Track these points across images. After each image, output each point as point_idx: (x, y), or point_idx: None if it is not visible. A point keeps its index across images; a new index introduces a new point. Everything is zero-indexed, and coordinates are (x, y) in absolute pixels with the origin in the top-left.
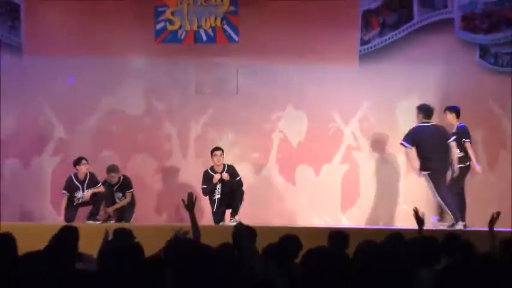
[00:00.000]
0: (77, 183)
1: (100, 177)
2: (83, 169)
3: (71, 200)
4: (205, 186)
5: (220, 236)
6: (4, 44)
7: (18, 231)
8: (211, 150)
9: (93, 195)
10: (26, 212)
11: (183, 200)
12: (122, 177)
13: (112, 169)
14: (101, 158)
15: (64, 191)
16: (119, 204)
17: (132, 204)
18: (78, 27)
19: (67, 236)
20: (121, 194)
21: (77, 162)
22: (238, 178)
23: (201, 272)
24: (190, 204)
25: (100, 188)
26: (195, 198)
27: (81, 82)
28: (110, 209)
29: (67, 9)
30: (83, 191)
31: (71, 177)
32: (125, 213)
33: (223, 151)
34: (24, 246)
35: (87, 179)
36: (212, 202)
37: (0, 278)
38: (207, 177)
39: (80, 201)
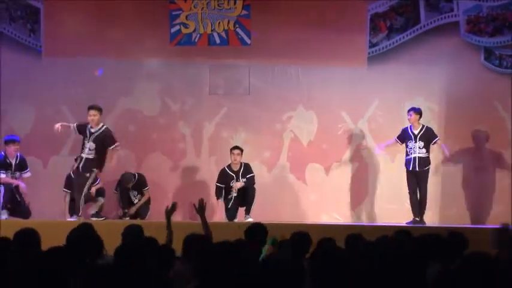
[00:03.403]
0: None
1: (116, 175)
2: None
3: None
4: (219, 185)
5: (234, 232)
6: (24, 46)
7: (38, 229)
8: (231, 148)
9: (96, 192)
10: (45, 209)
11: (194, 205)
12: (136, 176)
13: (126, 181)
14: (117, 157)
15: (65, 189)
16: (139, 203)
17: (147, 201)
18: (96, 31)
19: (85, 232)
20: (136, 193)
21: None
22: (250, 175)
23: (220, 267)
24: (201, 209)
25: (99, 184)
26: (205, 203)
27: (99, 83)
28: (132, 210)
29: (85, 13)
30: None
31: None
32: (140, 210)
33: (242, 151)
34: (43, 243)
35: None
36: (227, 200)
37: (26, 271)
38: (222, 175)
39: None
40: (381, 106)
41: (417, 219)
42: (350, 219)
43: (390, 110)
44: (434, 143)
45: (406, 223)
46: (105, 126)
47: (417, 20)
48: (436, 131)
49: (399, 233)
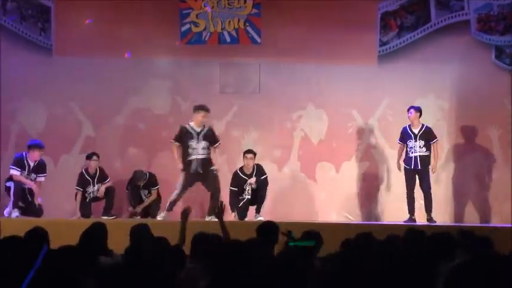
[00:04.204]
0: (88, 177)
1: (127, 173)
2: (92, 164)
3: (84, 195)
4: (233, 189)
5: (244, 231)
6: (35, 45)
7: (48, 227)
8: (244, 152)
9: (106, 190)
10: (56, 208)
11: (214, 208)
12: (147, 174)
13: (138, 179)
14: (128, 155)
15: (78, 187)
16: (146, 202)
17: (158, 200)
18: (106, 29)
19: (98, 232)
20: (147, 191)
21: (89, 156)
22: (264, 177)
23: (230, 266)
24: (220, 212)
25: (109, 183)
26: (224, 206)
27: (109, 82)
28: (139, 208)
29: (96, 12)
30: (94, 186)
31: (82, 172)
32: (150, 209)
33: (255, 154)
34: (54, 242)
35: (97, 173)
36: (240, 200)
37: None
38: (236, 178)
39: (92, 195)
40: (391, 104)
41: (413, 217)
42: (360, 218)
43: (401, 109)
44: (433, 143)
45: (404, 221)
46: (209, 126)
47: (428, 19)
48: (446, 129)
49: (410, 232)
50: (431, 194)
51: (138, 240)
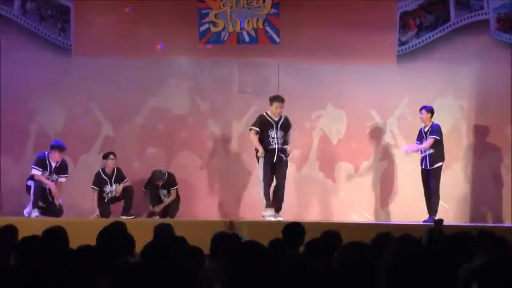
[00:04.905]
0: (105, 177)
1: (146, 173)
2: (109, 163)
3: (101, 195)
4: (255, 128)
5: (268, 232)
6: (54, 45)
7: (67, 227)
8: (273, 100)
9: (124, 190)
10: (76, 207)
11: None
12: (166, 174)
13: (157, 178)
14: (147, 155)
15: (93, 186)
16: (166, 202)
17: (176, 200)
18: (125, 30)
19: (116, 231)
20: (166, 191)
21: (106, 156)
22: (285, 146)
23: (250, 266)
24: None
25: (128, 183)
26: None
27: (128, 82)
28: (158, 208)
29: (115, 12)
30: (111, 185)
31: (99, 172)
32: (169, 209)
33: (283, 103)
34: (75, 241)
35: (115, 173)
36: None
37: (54, 269)
38: (261, 120)
39: (110, 196)
40: (410, 104)
41: (433, 217)
42: (380, 218)
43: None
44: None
45: (423, 221)
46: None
47: (447, 18)
48: (465, 128)
49: (428, 232)
50: (437, 195)
51: (161, 240)
